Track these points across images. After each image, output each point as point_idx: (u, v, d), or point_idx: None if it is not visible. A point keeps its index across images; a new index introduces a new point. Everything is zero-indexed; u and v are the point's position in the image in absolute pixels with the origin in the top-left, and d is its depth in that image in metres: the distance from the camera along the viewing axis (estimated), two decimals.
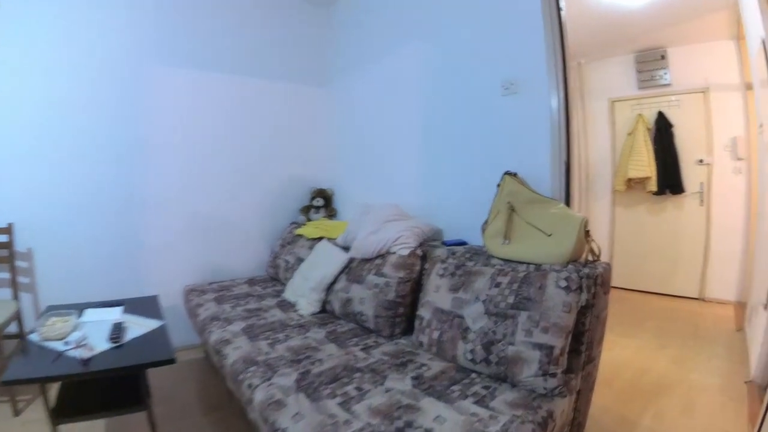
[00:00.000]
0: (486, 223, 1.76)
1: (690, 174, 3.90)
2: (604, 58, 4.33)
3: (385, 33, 2.65)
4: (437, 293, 1.65)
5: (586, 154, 4.52)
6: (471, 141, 2.08)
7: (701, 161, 3.83)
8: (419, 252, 1.94)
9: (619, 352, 2.64)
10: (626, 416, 1.95)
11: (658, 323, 3.28)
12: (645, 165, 3.99)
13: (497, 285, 1.47)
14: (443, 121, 2.24)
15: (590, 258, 1.51)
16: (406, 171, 2.51)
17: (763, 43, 2.09)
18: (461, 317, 1.51)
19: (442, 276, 1.68)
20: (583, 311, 1.36)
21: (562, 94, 1.77)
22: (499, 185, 1.75)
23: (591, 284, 1.37)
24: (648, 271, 4.18)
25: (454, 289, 1.59)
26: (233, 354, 1.65)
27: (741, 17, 3.06)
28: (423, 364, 1.51)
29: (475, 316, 1.47)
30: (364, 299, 1.94)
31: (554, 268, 1.42)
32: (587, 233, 1.49)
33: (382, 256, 2.01)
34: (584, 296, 1.34)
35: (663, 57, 4.03)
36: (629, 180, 4.12)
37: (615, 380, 2.27)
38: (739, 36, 3.56)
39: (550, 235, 1.52)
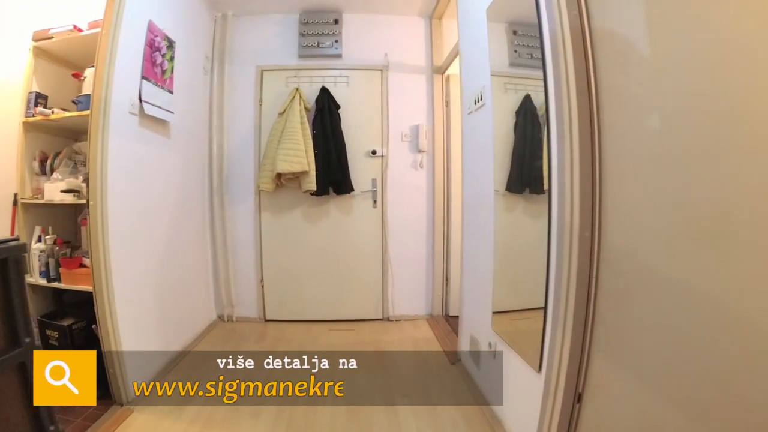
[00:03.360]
0: None
1: (360, 169, 3.17)
2: (261, 13, 3.17)
3: None
4: None
5: (220, 140, 3.05)
6: None
7: (374, 153, 3.18)
8: None
9: None
10: None
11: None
12: (301, 156, 2.93)
13: None
14: None
15: None
16: None
17: None
18: None
19: None
20: None
21: None
22: None
23: None
24: (312, 294, 3.17)
25: None
26: None
27: None
28: None
29: None
30: None
31: None
32: None
33: None
34: None
35: (337, 21, 3.23)
36: (279, 176, 2.97)
37: None
38: (433, 15, 3.20)
39: None
